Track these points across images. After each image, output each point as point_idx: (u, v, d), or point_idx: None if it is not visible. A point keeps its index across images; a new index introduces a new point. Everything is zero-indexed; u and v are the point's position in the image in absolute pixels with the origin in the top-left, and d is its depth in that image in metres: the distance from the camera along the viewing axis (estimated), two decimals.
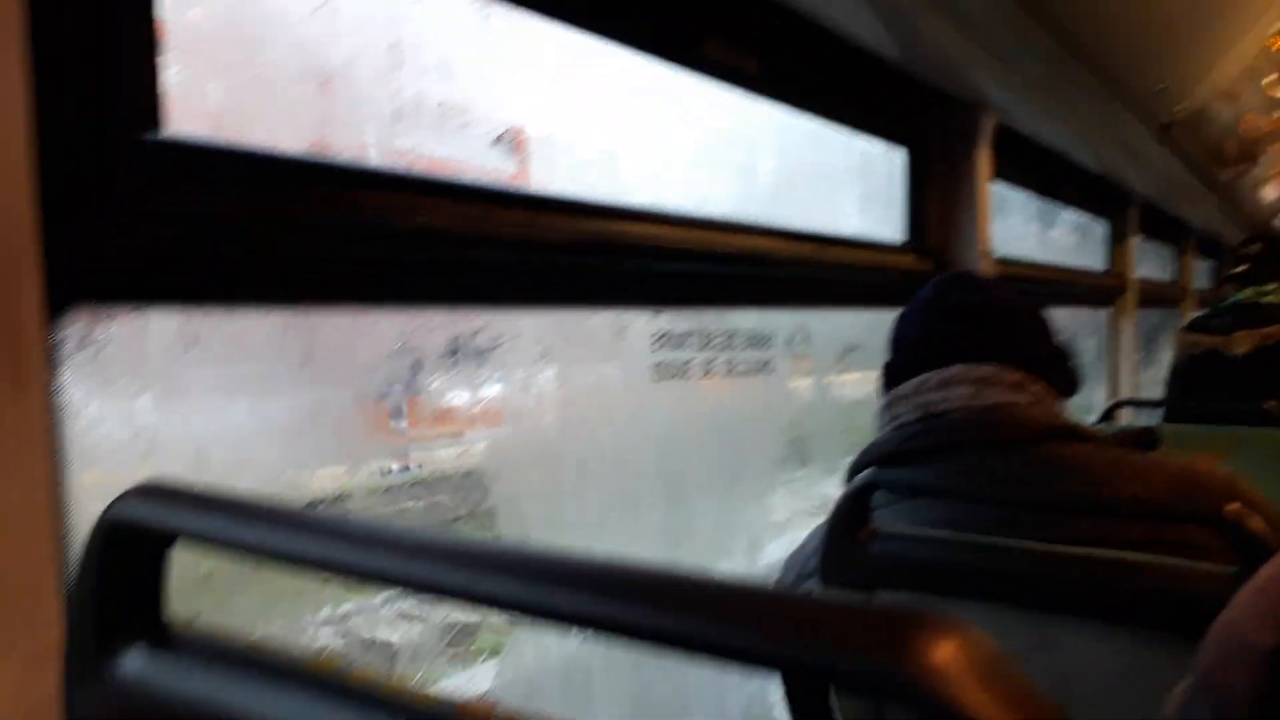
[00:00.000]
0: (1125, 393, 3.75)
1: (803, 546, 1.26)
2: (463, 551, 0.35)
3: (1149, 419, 3.21)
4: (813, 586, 1.14)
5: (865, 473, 1.14)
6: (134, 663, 0.42)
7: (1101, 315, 3.84)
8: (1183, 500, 1.03)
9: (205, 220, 0.77)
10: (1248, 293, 2.85)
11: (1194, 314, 3.88)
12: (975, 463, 1.13)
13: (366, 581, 0.38)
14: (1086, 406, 3.72)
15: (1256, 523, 0.87)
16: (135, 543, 0.42)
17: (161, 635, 0.42)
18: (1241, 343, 2.76)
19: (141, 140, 0.73)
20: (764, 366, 1.61)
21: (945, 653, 0.26)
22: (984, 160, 2.08)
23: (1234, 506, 0.88)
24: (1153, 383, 4.28)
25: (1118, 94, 2.32)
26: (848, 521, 1.10)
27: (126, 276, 0.73)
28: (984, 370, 1.19)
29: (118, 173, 0.71)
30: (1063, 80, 2.07)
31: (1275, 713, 0.52)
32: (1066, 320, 3.55)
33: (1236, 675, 0.55)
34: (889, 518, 1.16)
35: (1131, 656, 0.93)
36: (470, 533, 1.14)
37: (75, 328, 0.69)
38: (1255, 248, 2.90)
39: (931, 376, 1.21)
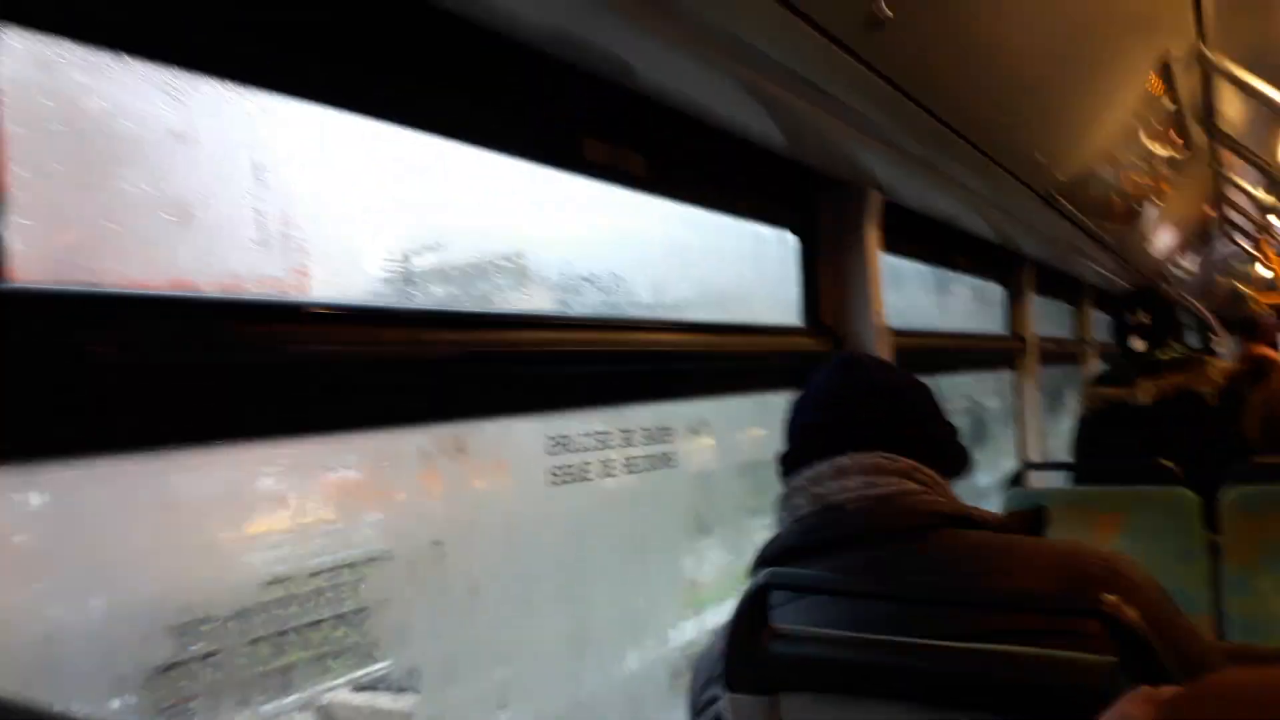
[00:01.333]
0: (1033, 454, 3.82)
1: (710, 649, 1.24)
2: None
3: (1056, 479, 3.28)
4: (718, 691, 1.12)
5: (763, 573, 1.13)
6: None
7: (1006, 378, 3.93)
8: (1066, 589, 1.04)
9: (51, 369, 0.74)
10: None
11: (1098, 370, 3.99)
12: (870, 556, 1.14)
13: None
14: (995, 466, 3.79)
15: (1130, 614, 0.88)
16: None
17: None
18: (1145, 392, 2.86)
19: None
20: (665, 459, 1.60)
21: None
22: (873, 237, 2.13)
23: (1110, 599, 0.90)
24: (1061, 441, 4.40)
25: (999, 165, 2.40)
26: (748, 623, 1.08)
27: None
28: (874, 458, 1.20)
29: None
30: (944, 156, 2.13)
31: None
32: (971, 387, 3.63)
33: None
34: (790, 615, 1.15)
35: None
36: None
37: None
38: (1144, 318, 3.01)
39: (825, 466, 1.21)
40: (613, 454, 1.48)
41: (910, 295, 3.00)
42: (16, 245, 0.75)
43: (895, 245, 2.34)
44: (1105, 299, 5.46)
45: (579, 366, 1.37)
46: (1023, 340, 3.91)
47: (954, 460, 1.28)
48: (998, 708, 0.93)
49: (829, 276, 2.11)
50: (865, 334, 2.09)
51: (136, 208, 0.87)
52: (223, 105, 0.94)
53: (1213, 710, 0.52)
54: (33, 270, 0.77)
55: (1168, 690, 0.58)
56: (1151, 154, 3.65)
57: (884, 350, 2.11)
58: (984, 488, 3.49)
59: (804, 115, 1.65)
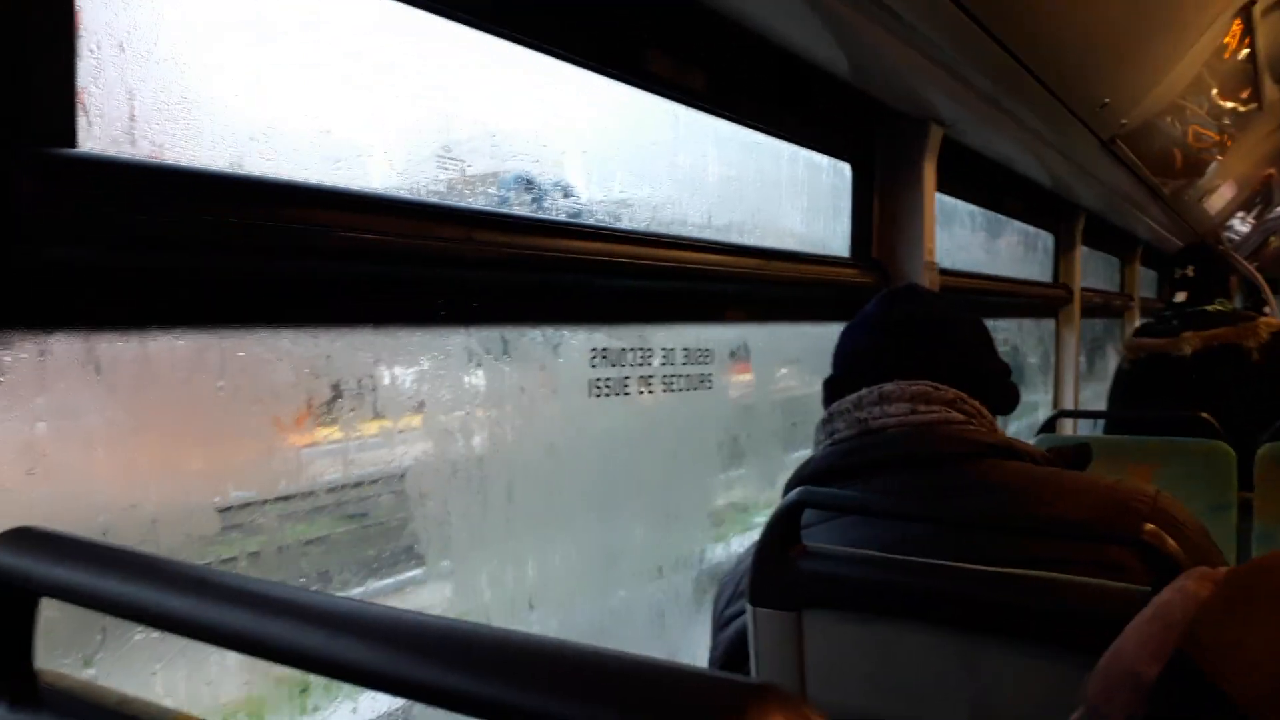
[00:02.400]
0: (1067, 403, 3.80)
1: (738, 564, 1.26)
2: (324, 613, 0.35)
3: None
4: (744, 605, 1.14)
5: (796, 491, 1.14)
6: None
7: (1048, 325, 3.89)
8: (1106, 521, 1.04)
9: (115, 240, 0.75)
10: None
11: (1142, 321, 3.95)
12: (908, 480, 1.15)
13: (234, 646, 0.37)
14: (1034, 409, 3.78)
15: (1170, 544, 0.88)
16: (4, 594, 0.41)
17: (29, 689, 0.41)
18: (1189, 343, 2.82)
19: (49, 155, 0.71)
20: (703, 381, 1.60)
21: None
22: (930, 174, 2.10)
23: (1150, 528, 0.90)
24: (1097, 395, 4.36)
25: (1064, 107, 2.34)
26: (778, 540, 1.10)
27: (33, 299, 0.71)
28: (921, 386, 1.20)
29: (22, 189, 0.69)
30: (1009, 94, 2.09)
31: None
32: (1013, 331, 3.60)
33: (1120, 705, 0.55)
34: (822, 535, 1.16)
35: (1053, 676, 0.93)
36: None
37: None
38: (1189, 271, 2.97)
39: (870, 392, 1.22)
40: (653, 371, 1.49)
41: (957, 235, 2.96)
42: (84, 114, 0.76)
43: (949, 184, 2.31)
44: (1155, 255, 5.37)
45: (626, 280, 1.37)
46: (1068, 290, 3.85)
47: (1002, 396, 1.28)
48: (1026, 633, 0.94)
49: (881, 210, 2.08)
50: (913, 271, 2.07)
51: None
52: None
53: (1270, 581, 0.53)
54: (98, 140, 0.78)
55: (1223, 569, 0.58)
56: (1220, 108, 3.55)
57: (931, 288, 2.09)
58: (1015, 433, 3.47)
59: (871, 40, 1.62)
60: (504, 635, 0.31)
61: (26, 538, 0.42)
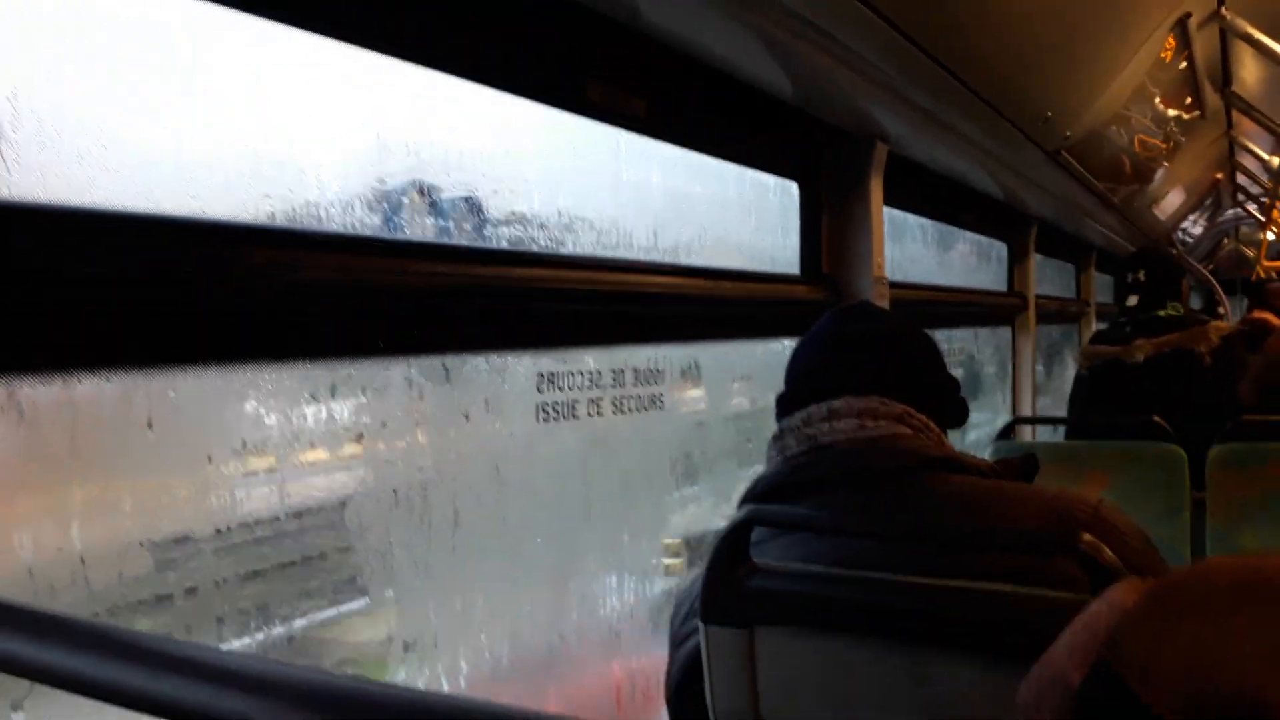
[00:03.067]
0: (1025, 410, 3.85)
1: (693, 583, 1.27)
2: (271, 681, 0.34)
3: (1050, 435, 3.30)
4: (698, 623, 1.15)
5: (745, 508, 1.15)
6: None
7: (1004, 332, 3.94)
8: (1049, 532, 1.06)
9: (41, 284, 0.75)
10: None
11: (1097, 329, 4.00)
12: (855, 496, 1.16)
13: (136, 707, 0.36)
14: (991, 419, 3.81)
15: (1108, 554, 0.89)
16: None
17: None
18: (1141, 350, 2.87)
19: None
20: (654, 401, 1.61)
21: None
22: (876, 190, 2.12)
23: (1088, 538, 0.91)
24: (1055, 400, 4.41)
25: (1008, 122, 2.38)
26: (728, 557, 1.11)
27: None
28: (869, 402, 1.22)
29: None
30: (952, 111, 2.12)
31: None
32: (970, 340, 3.64)
33: (1049, 709, 0.56)
34: (773, 551, 1.17)
35: (999, 686, 0.94)
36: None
37: None
38: (1140, 275, 3.02)
39: (819, 408, 1.23)
40: (602, 393, 1.49)
41: (909, 249, 2.99)
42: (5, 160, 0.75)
43: (899, 199, 2.33)
44: (1110, 261, 5.45)
45: (572, 304, 1.38)
46: (1023, 298, 3.91)
47: (951, 411, 1.30)
48: (972, 645, 0.95)
49: (830, 227, 2.10)
50: (864, 286, 2.09)
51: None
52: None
53: (1196, 589, 0.54)
54: (20, 187, 0.77)
55: (1152, 580, 0.59)
56: (1164, 116, 3.62)
57: (882, 303, 2.11)
58: (972, 442, 3.51)
59: (813, 63, 1.64)
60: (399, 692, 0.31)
61: None
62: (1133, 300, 3.03)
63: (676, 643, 1.27)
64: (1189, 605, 0.54)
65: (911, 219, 2.92)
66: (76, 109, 0.83)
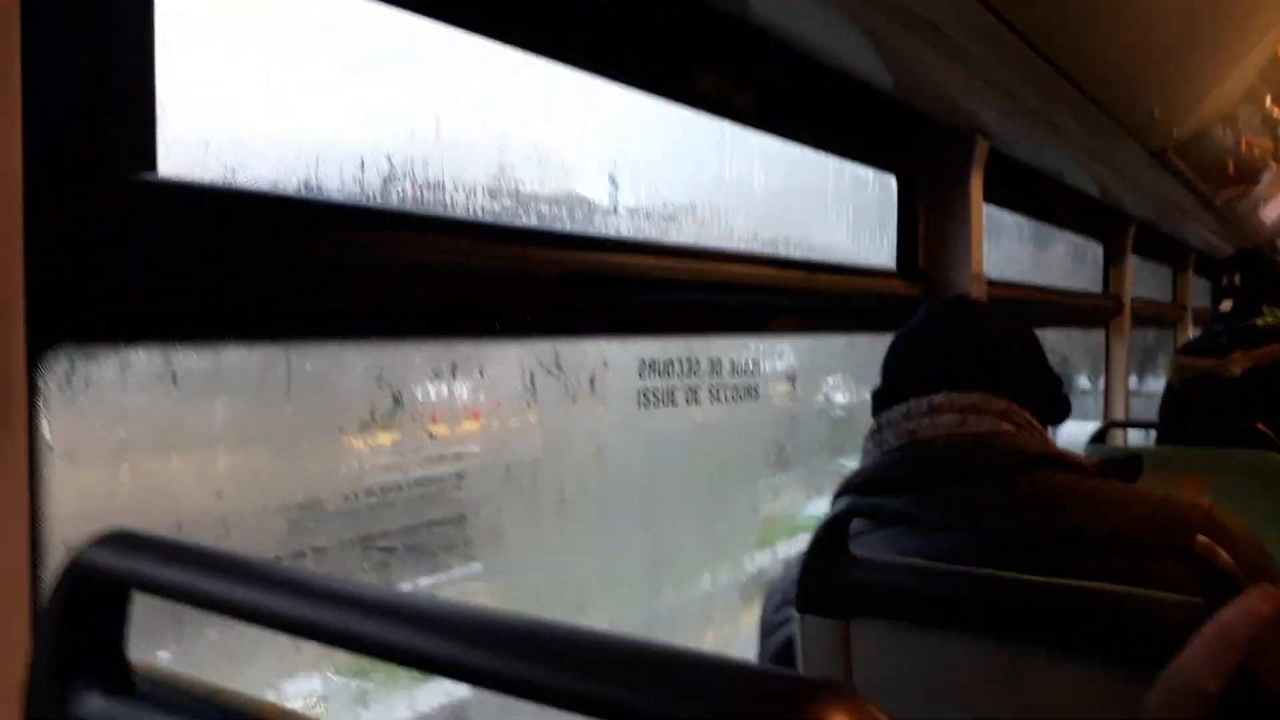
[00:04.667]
0: (1118, 413, 3.75)
1: (786, 572, 1.27)
2: (413, 611, 0.37)
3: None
4: (791, 613, 1.16)
5: (845, 500, 1.15)
6: (93, 707, 0.43)
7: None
8: (1157, 534, 1.04)
9: (193, 260, 0.79)
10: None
11: (1188, 338, 3.89)
12: (956, 492, 1.15)
13: (325, 640, 0.39)
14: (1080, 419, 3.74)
15: (1223, 558, 0.88)
16: (98, 590, 0.44)
17: (122, 681, 0.44)
18: (1238, 363, 2.77)
19: (132, 181, 0.75)
20: (749, 392, 1.62)
21: None
22: (976, 186, 2.10)
23: (1202, 540, 0.89)
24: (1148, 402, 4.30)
25: (1112, 120, 2.33)
26: (826, 548, 1.11)
27: (112, 316, 0.75)
28: (971, 398, 1.21)
29: (106, 213, 0.73)
30: (1056, 107, 2.08)
31: None
32: (1062, 341, 3.57)
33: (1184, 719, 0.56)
34: (870, 545, 1.17)
35: (1101, 688, 0.94)
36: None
37: (59, 367, 0.71)
38: (1235, 278, 2.92)
39: (919, 403, 1.23)
40: (699, 381, 1.51)
41: (1006, 246, 2.95)
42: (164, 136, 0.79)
43: (996, 195, 2.30)
44: (1208, 265, 5.28)
45: (672, 294, 1.40)
46: (1118, 301, 3.81)
47: (1053, 408, 1.28)
48: (1075, 645, 0.95)
49: (928, 222, 2.09)
50: (960, 282, 2.07)
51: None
52: None
53: None
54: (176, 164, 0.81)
55: None
56: (1275, 117, 3.50)
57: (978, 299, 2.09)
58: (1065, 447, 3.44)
59: (915, 56, 1.63)
60: (569, 628, 0.33)
61: (118, 539, 0.45)
62: (1227, 305, 2.93)
63: (768, 631, 1.28)
64: None
65: (1008, 217, 2.87)
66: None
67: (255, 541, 0.91)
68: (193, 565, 0.43)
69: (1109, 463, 1.25)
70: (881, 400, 1.29)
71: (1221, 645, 0.56)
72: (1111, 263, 3.84)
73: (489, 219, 1.14)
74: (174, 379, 0.81)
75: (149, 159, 0.75)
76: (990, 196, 2.21)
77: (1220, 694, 0.54)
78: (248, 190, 0.85)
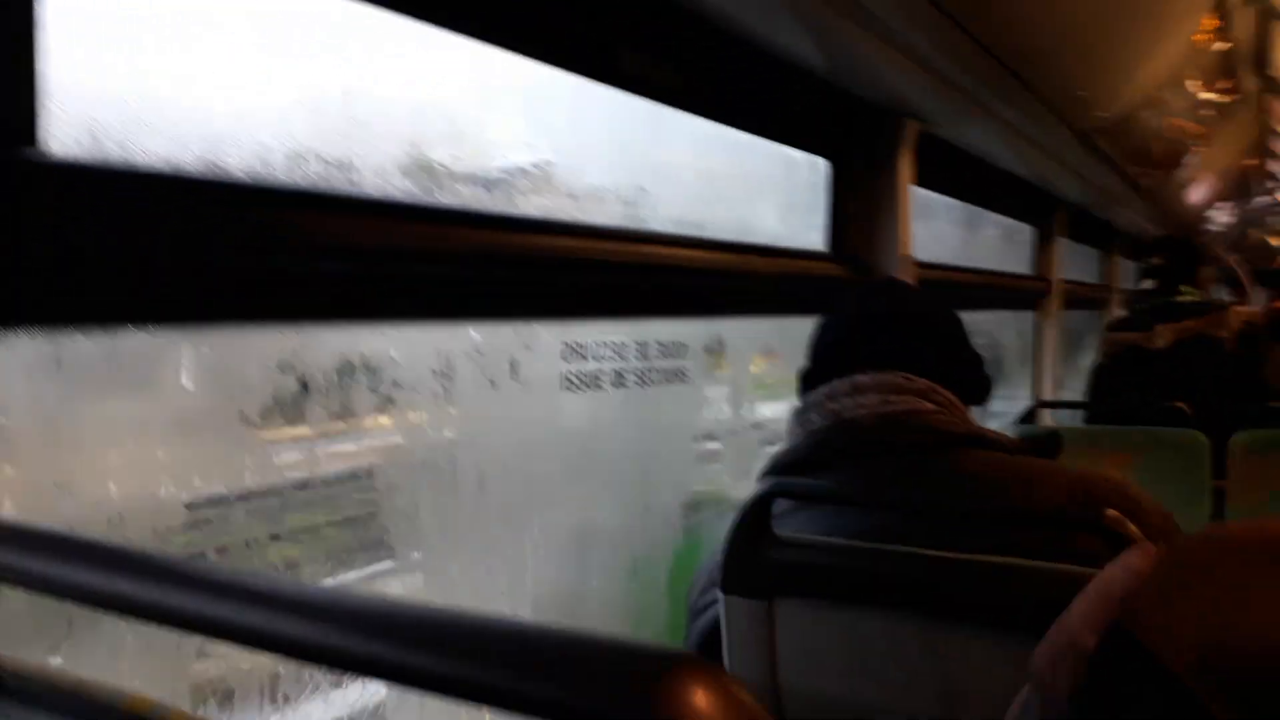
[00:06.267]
0: (1047, 394, 3.83)
1: (713, 553, 1.28)
2: (273, 595, 0.36)
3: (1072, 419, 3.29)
4: (717, 593, 1.16)
5: (768, 480, 1.16)
6: None
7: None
8: (1072, 507, 1.06)
9: (81, 241, 0.76)
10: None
11: (1117, 315, 3.99)
12: (879, 470, 1.16)
13: (187, 628, 0.38)
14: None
15: (1132, 529, 0.90)
16: None
17: None
18: (1161, 336, 2.86)
19: (14, 158, 0.72)
20: (678, 375, 1.62)
21: (700, 701, 0.27)
22: (906, 168, 2.11)
23: (1112, 513, 0.91)
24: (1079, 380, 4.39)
25: (1041, 101, 2.36)
26: (749, 528, 1.12)
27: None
28: (893, 377, 1.22)
29: None
30: (984, 89, 2.10)
31: (1094, 713, 0.54)
32: (992, 321, 3.63)
33: (1063, 674, 0.57)
34: (795, 524, 1.18)
35: (1016, 660, 0.95)
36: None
37: None
38: (1158, 259, 3.01)
39: (842, 383, 1.23)
40: (626, 365, 1.50)
41: (935, 228, 2.98)
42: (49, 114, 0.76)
43: (928, 179, 2.32)
44: (1136, 247, 5.40)
45: (599, 275, 1.39)
46: (1048, 283, 3.88)
47: (976, 387, 1.30)
48: (989, 619, 0.96)
49: (858, 205, 2.10)
50: (890, 265, 2.08)
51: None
52: None
53: (1212, 550, 0.55)
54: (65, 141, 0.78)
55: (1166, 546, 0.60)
56: (1197, 100, 3.58)
57: (908, 282, 2.10)
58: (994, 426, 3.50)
59: (845, 36, 1.63)
60: (425, 609, 0.32)
61: None
62: (1148, 284, 3.03)
63: (695, 612, 1.28)
64: (1204, 566, 0.54)
65: (939, 199, 2.90)
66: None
67: (150, 540, 0.88)
68: (56, 554, 0.41)
69: (1030, 440, 1.27)
70: (808, 380, 1.29)
71: (1099, 601, 0.57)
72: (1041, 245, 3.91)
73: (403, 197, 1.11)
74: (58, 365, 0.78)
75: (30, 135, 0.72)
76: (921, 180, 2.23)
77: (1096, 647, 0.55)
78: (142, 168, 0.81)
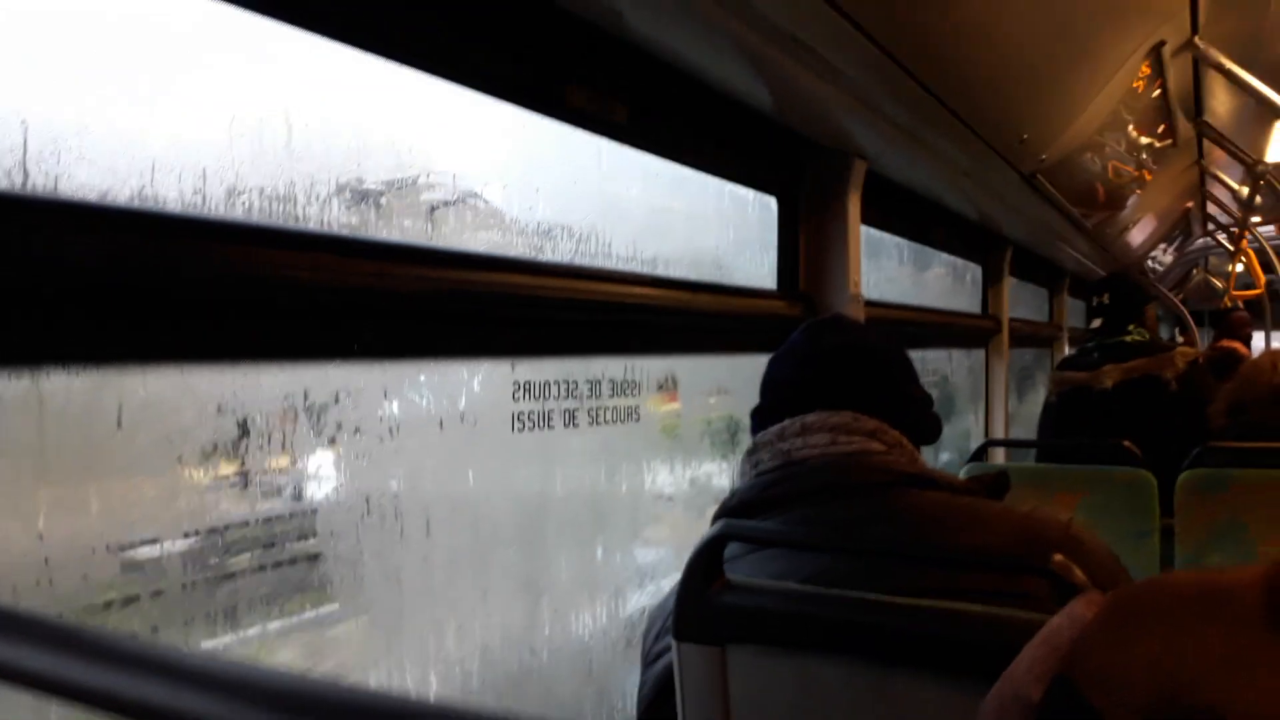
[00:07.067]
0: (997, 432, 3.87)
1: (665, 600, 1.25)
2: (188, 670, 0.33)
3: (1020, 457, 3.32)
4: (670, 640, 1.13)
5: (719, 524, 1.14)
6: None
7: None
8: (1021, 551, 1.05)
9: (8, 276, 0.72)
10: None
11: (1066, 354, 4.05)
12: (828, 511, 1.15)
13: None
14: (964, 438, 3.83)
15: (1078, 574, 0.89)
16: None
17: None
18: (1109, 375, 2.90)
19: None
20: (630, 413, 1.60)
21: None
22: (854, 207, 2.13)
23: (1058, 558, 0.91)
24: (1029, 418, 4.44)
25: (985, 142, 2.40)
26: (701, 573, 1.09)
27: None
28: (841, 417, 1.21)
29: None
30: (929, 129, 2.13)
31: None
32: (944, 362, 3.66)
33: None
34: (747, 567, 1.16)
35: (963, 705, 0.93)
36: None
37: None
38: (1104, 299, 3.06)
39: (792, 423, 1.22)
40: (577, 404, 1.48)
41: (885, 267, 3.01)
42: None
43: (875, 217, 2.34)
44: (1082, 286, 5.50)
45: (549, 312, 1.37)
46: (996, 321, 3.93)
47: (925, 427, 1.29)
48: (937, 664, 0.95)
49: (807, 242, 2.11)
50: (839, 302, 2.09)
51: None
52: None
53: (1157, 600, 0.53)
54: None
55: (1110, 593, 0.59)
56: (1137, 144, 3.66)
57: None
58: (945, 464, 3.52)
59: (792, 76, 1.64)
60: (353, 693, 0.30)
61: None
62: (1096, 323, 3.07)
63: (649, 661, 1.25)
64: (1149, 616, 0.53)
65: (889, 238, 2.93)
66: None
67: (81, 585, 0.84)
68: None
69: (978, 480, 1.26)
70: (759, 419, 1.28)
71: (1045, 651, 0.56)
72: (989, 284, 3.96)
73: (345, 232, 1.09)
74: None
75: None
76: (869, 218, 2.24)
77: (1040, 699, 0.53)
78: (71, 200, 0.79)
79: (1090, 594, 0.60)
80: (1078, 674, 0.51)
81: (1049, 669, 0.54)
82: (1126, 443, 2.40)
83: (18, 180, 0.77)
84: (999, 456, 3.39)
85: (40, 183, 0.79)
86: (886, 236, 2.87)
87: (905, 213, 2.83)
